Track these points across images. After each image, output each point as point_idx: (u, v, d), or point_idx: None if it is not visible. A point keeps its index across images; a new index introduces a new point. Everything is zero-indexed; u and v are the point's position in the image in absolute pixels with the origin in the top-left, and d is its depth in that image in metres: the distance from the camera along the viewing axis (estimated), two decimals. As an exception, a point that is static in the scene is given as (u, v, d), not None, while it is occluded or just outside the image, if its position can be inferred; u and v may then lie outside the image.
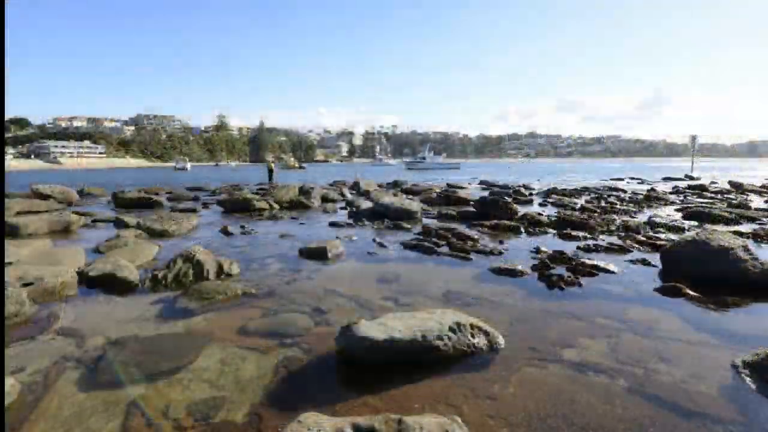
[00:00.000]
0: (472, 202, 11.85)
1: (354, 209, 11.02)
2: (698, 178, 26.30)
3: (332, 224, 9.29)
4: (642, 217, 9.73)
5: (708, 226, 8.44)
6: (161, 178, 37.54)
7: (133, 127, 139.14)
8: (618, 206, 11.82)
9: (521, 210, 10.01)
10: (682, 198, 14.53)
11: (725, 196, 15.00)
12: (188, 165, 75.73)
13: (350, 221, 9.64)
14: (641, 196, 14.26)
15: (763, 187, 17.52)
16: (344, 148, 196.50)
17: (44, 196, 13.38)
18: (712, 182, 21.31)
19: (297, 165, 69.85)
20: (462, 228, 8.29)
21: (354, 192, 17.27)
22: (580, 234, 7.59)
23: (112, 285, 4.77)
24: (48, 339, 3.47)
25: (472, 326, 3.33)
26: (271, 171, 27.21)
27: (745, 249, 4.98)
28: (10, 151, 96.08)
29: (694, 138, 33.99)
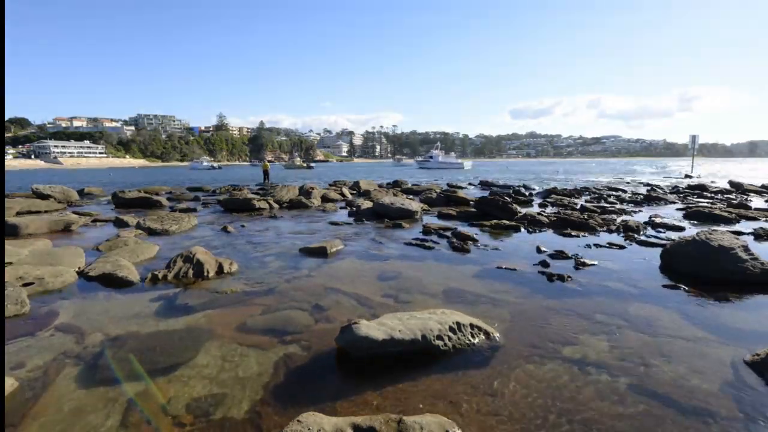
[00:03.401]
0: (472, 202, 11.86)
1: (354, 209, 11.02)
2: (698, 178, 26.32)
3: (332, 223, 9.30)
4: (642, 217, 9.73)
5: (708, 226, 8.45)
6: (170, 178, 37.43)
7: (133, 127, 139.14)
8: (618, 206, 11.83)
9: (521, 210, 10.01)
10: (682, 198, 14.53)
11: (725, 196, 15.00)
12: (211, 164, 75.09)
13: (350, 221, 9.65)
14: (641, 197, 14.27)
15: (763, 187, 17.50)
16: (344, 148, 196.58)
17: (44, 196, 13.41)
18: (712, 182, 21.31)
19: (305, 165, 71.30)
20: (462, 227, 8.29)
21: (354, 192, 17.27)
22: (581, 233, 7.59)
23: (112, 284, 4.77)
24: (47, 336, 3.47)
25: (472, 326, 3.33)
26: (266, 172, 25.01)
27: (745, 249, 4.98)
28: (10, 150, 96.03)
29: (693, 138, 33.88)
